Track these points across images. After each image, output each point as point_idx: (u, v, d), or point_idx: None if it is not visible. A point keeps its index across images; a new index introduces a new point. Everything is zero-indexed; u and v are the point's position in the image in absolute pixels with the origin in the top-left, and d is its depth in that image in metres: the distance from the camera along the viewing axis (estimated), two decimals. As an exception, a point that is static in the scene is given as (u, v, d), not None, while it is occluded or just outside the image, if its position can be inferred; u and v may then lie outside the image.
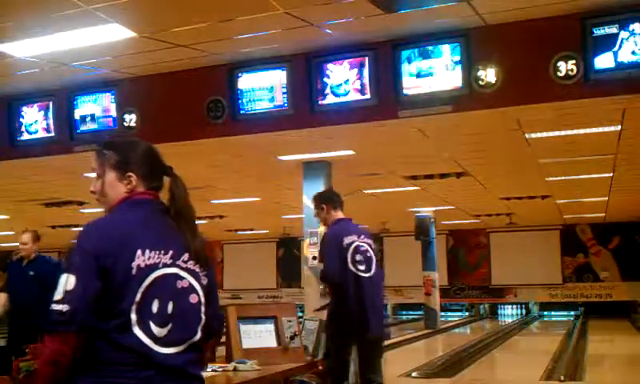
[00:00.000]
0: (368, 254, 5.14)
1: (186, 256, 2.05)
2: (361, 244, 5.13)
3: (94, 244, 1.96)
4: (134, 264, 1.96)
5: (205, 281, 2.09)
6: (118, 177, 2.13)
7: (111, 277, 1.93)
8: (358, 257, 5.09)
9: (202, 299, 2.06)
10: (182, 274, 2.03)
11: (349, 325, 5.03)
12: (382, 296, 5.34)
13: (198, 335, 2.03)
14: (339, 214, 5.29)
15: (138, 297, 1.94)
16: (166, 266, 2.00)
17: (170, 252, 2.03)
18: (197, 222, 2.20)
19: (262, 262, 22.47)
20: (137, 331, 1.93)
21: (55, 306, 1.89)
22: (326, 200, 5.37)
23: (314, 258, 8.32)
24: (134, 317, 1.93)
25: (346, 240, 5.10)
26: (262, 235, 21.30)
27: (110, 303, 1.93)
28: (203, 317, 2.05)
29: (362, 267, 5.08)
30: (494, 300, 21.41)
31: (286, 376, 4.05)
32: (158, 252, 2.00)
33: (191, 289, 2.04)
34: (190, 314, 2.02)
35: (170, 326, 1.96)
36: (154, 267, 1.98)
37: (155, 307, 1.96)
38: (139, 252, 1.97)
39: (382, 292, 5.29)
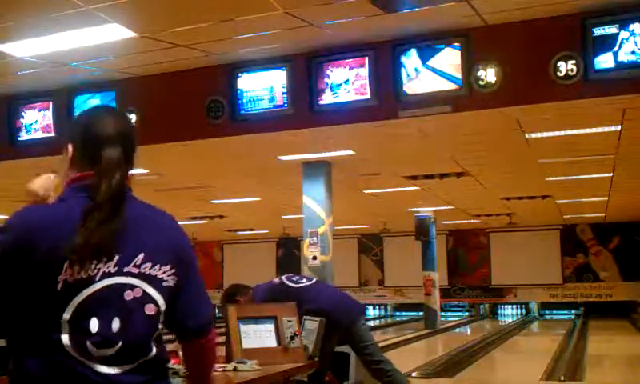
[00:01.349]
0: None
1: (139, 258, 1.64)
2: None
3: (11, 240, 1.61)
4: (60, 278, 1.57)
5: (172, 281, 1.69)
6: (64, 149, 1.76)
7: (26, 289, 1.58)
8: None
9: (163, 307, 1.67)
10: (132, 281, 1.63)
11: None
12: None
13: (154, 349, 1.66)
14: None
15: (67, 316, 1.57)
16: (106, 276, 1.61)
17: (115, 258, 1.62)
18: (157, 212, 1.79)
19: (261, 262, 22.46)
20: (72, 353, 1.58)
21: None
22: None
23: (314, 257, 8.32)
24: (65, 339, 1.57)
25: None
26: (262, 235, 21.30)
27: (30, 322, 1.60)
28: (160, 326, 1.69)
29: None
30: (494, 300, 21.41)
31: (285, 376, 4.04)
32: (95, 262, 1.60)
33: (146, 298, 1.64)
34: (145, 327, 1.64)
35: (119, 344, 1.59)
36: (88, 281, 1.59)
37: (94, 327, 1.58)
38: (67, 264, 1.57)
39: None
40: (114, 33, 5.67)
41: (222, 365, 3.83)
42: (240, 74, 6.66)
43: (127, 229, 1.64)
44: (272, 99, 6.57)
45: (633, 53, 5.39)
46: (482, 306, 21.94)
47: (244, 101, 6.67)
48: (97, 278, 1.60)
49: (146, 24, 5.64)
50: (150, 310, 1.65)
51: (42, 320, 1.59)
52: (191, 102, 6.91)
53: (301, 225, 8.68)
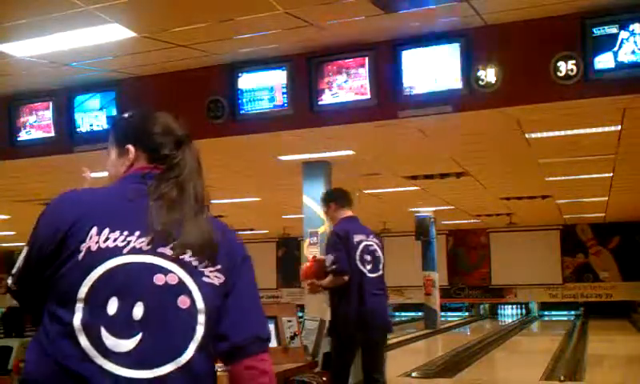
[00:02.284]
0: (377, 254, 5.15)
1: (177, 243, 1.48)
2: (370, 243, 5.14)
3: (47, 220, 1.51)
4: (84, 246, 1.43)
5: (217, 280, 1.50)
6: (119, 152, 1.73)
7: (55, 263, 1.45)
8: (367, 256, 5.09)
9: (201, 305, 1.45)
10: (167, 265, 1.45)
11: (351, 324, 4.98)
12: (387, 296, 5.32)
13: (189, 353, 1.41)
14: (347, 213, 5.29)
15: (84, 292, 1.39)
16: (136, 251, 1.44)
17: (150, 235, 1.46)
18: (207, 206, 1.68)
19: (262, 262, 22.45)
20: (82, 341, 1.37)
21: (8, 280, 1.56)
22: (333, 198, 5.39)
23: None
24: (76, 321, 1.37)
25: (356, 238, 5.10)
26: (262, 235, 21.31)
27: (53, 301, 1.43)
28: (201, 329, 1.44)
29: (369, 267, 5.08)
30: (494, 300, 21.42)
31: (286, 376, 4.05)
32: (125, 232, 1.45)
33: (181, 288, 1.44)
34: (175, 322, 1.41)
35: (138, 337, 1.37)
36: (113, 252, 1.42)
37: (112, 308, 1.38)
38: (95, 230, 1.44)
39: (386, 292, 5.28)
40: (114, 33, 5.66)
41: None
42: (240, 74, 6.66)
43: (182, 218, 1.51)
44: (272, 99, 6.57)
45: (633, 53, 5.39)
46: (481, 306, 21.95)
47: (244, 101, 6.67)
48: (124, 251, 1.43)
49: (146, 24, 5.64)
50: (183, 303, 1.43)
51: (56, 298, 1.41)
52: (191, 101, 6.90)
53: (301, 225, 8.68)
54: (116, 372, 1.34)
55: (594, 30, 5.49)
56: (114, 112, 7.19)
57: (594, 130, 7.24)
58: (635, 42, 5.38)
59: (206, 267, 1.49)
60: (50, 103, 7.47)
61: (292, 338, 4.20)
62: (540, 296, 20.77)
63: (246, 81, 6.65)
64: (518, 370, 10.80)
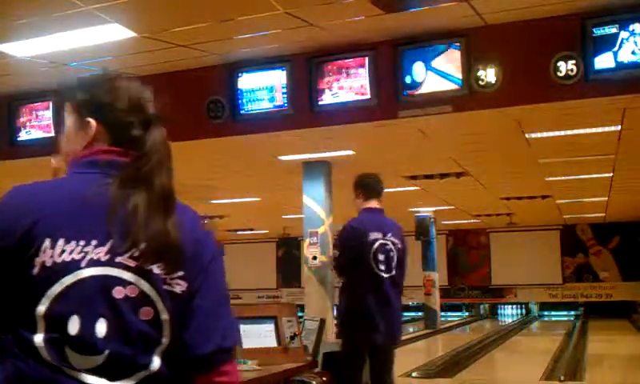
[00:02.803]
0: (391, 254, 4.85)
1: (137, 251, 1.34)
2: (385, 242, 4.84)
3: None
4: (38, 261, 1.29)
5: (179, 287, 1.37)
6: (77, 124, 1.48)
7: (6, 277, 1.31)
8: (381, 256, 4.81)
9: (165, 316, 1.34)
10: (126, 276, 1.33)
11: (361, 326, 4.78)
12: (400, 299, 4.99)
13: (155, 365, 1.33)
14: (371, 204, 4.93)
15: (42, 311, 1.28)
16: (94, 264, 1.31)
17: (108, 244, 1.33)
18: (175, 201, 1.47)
19: (261, 262, 22.47)
20: (47, 358, 1.28)
21: None
22: (360, 186, 5.00)
23: (314, 258, 8.32)
24: (38, 340, 1.28)
25: (371, 236, 4.82)
26: (262, 235, 21.31)
27: (11, 318, 1.31)
28: (166, 340, 1.34)
29: (382, 267, 4.81)
30: (494, 300, 21.41)
31: (286, 376, 4.05)
32: (82, 243, 1.32)
33: (142, 299, 1.33)
34: (139, 335, 1.32)
35: (104, 354, 1.30)
36: (69, 267, 1.30)
37: (74, 328, 1.28)
38: (47, 242, 1.30)
39: (400, 295, 4.97)
40: (114, 33, 5.67)
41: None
42: (240, 74, 6.66)
43: (146, 222, 1.35)
44: (272, 99, 6.57)
45: (633, 53, 5.39)
46: (481, 306, 21.95)
47: (244, 101, 6.67)
48: (82, 265, 1.31)
49: (146, 24, 5.64)
50: (146, 314, 1.33)
51: (15, 315, 1.30)
52: (191, 101, 6.91)
53: (301, 225, 8.68)
54: (85, 380, 1.28)
55: (594, 30, 5.49)
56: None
57: (593, 130, 7.24)
58: (635, 42, 5.38)
59: (168, 274, 1.36)
60: (50, 103, 7.47)
61: (292, 337, 4.19)
62: (540, 296, 20.76)
63: (246, 81, 6.66)
64: (518, 370, 10.80)
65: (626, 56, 5.41)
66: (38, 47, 5.96)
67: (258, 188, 11.54)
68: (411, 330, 16.57)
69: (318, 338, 4.44)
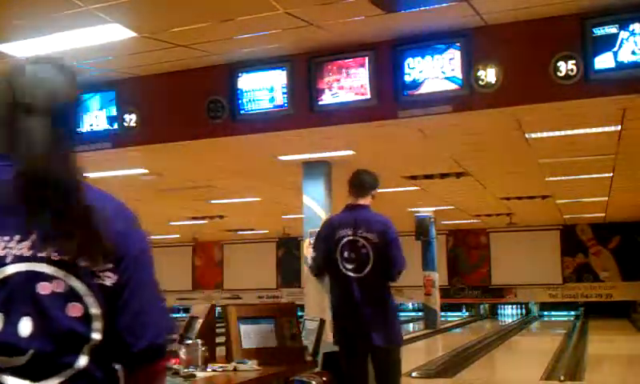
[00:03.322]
0: (363, 251, 4.45)
1: (59, 244, 1.28)
2: (356, 239, 4.46)
3: None
4: None
5: (109, 280, 1.31)
6: None
7: None
8: (346, 254, 4.46)
9: (95, 310, 1.29)
10: (51, 271, 1.27)
11: (337, 330, 4.58)
12: (381, 300, 4.53)
13: (83, 362, 1.28)
14: (354, 200, 4.65)
15: None
16: (18, 260, 1.27)
17: (30, 239, 1.28)
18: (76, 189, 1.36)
19: (261, 262, 22.46)
20: None
21: None
22: (348, 183, 4.74)
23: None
24: None
25: (339, 233, 4.52)
26: (262, 235, 21.30)
27: None
28: (97, 336, 1.29)
29: (349, 266, 4.46)
30: (494, 300, 21.41)
31: (286, 376, 4.05)
32: (6, 238, 1.28)
33: (69, 294, 1.27)
34: (67, 332, 1.27)
35: (29, 353, 1.25)
36: None
37: None
38: None
39: (379, 294, 4.51)
40: (113, 33, 5.66)
41: (222, 365, 3.84)
42: (240, 74, 6.66)
43: (62, 212, 1.30)
44: (272, 99, 6.57)
45: (633, 53, 5.39)
46: (481, 306, 21.94)
47: (244, 101, 6.67)
48: (7, 261, 1.26)
49: (146, 24, 5.64)
50: (74, 311, 1.27)
51: None
52: (191, 101, 6.91)
53: (301, 225, 8.67)
54: (6, 382, 1.24)
55: (594, 29, 5.49)
56: (114, 112, 7.20)
57: (593, 129, 7.24)
58: (635, 42, 5.38)
59: (95, 267, 1.30)
60: (50, 103, 7.46)
61: (292, 337, 4.19)
62: (540, 296, 20.76)
63: (246, 81, 6.66)
64: (518, 370, 10.80)
65: (625, 56, 5.41)
66: (38, 47, 5.96)
67: (258, 188, 11.54)
68: (411, 329, 16.57)
69: (317, 337, 4.44)
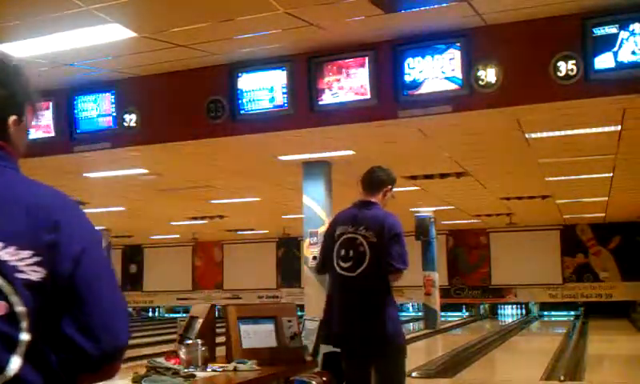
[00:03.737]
0: (361, 249, 4.17)
1: None
2: (354, 236, 4.21)
3: None
4: None
5: (35, 274, 1.23)
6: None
7: None
8: (343, 252, 4.22)
9: (20, 308, 1.21)
10: None
11: (329, 331, 4.32)
12: (377, 301, 4.22)
13: (15, 366, 1.20)
14: (362, 197, 4.39)
15: None
16: None
17: None
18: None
19: (261, 262, 22.46)
20: None
21: None
22: (360, 179, 4.48)
23: (314, 257, 8.31)
24: None
25: (338, 230, 4.29)
26: (262, 235, 21.31)
27: None
28: (26, 336, 1.21)
29: (344, 264, 4.21)
30: (494, 300, 21.41)
31: (286, 376, 4.05)
32: None
33: None
34: None
35: None
36: None
37: None
38: None
39: (372, 296, 4.21)
40: (114, 33, 5.66)
41: (222, 365, 3.84)
42: (240, 74, 6.66)
43: None
44: (272, 99, 6.57)
45: (633, 53, 5.39)
46: (481, 306, 21.94)
47: (244, 101, 6.67)
48: None
49: (146, 24, 5.64)
50: None
51: None
52: (191, 101, 6.91)
53: (301, 225, 8.67)
54: None
55: (594, 29, 5.49)
56: (114, 112, 7.20)
57: (593, 129, 7.24)
58: (635, 42, 5.38)
59: (20, 260, 1.21)
60: (50, 103, 7.47)
61: (292, 337, 4.19)
62: (540, 296, 20.76)
63: (246, 81, 6.66)
64: (518, 370, 10.80)
65: (625, 56, 5.41)
66: (37, 47, 5.96)
67: (258, 188, 11.54)
68: (411, 329, 16.57)
69: (317, 338, 4.43)
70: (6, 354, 1.19)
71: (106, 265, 1.33)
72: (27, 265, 1.22)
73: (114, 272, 1.34)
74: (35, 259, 1.22)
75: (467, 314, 21.87)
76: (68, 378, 1.26)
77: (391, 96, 6.17)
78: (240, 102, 6.69)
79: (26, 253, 1.22)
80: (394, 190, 4.51)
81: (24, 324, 1.21)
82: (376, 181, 4.38)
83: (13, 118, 1.37)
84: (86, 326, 1.25)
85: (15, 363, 1.20)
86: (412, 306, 21.92)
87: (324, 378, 4.38)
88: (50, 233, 1.24)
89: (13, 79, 1.38)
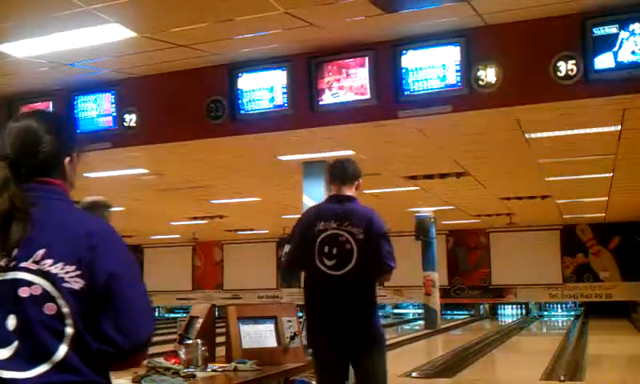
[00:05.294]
0: (347, 246, 3.93)
1: (39, 254, 1.60)
2: (339, 233, 3.96)
3: None
4: None
5: (76, 284, 1.60)
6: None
7: None
8: (326, 249, 3.96)
9: (66, 309, 1.58)
10: (30, 277, 1.59)
11: (310, 333, 4.06)
12: (365, 300, 4.00)
13: (61, 353, 1.57)
14: (336, 190, 4.15)
15: None
16: (1, 270, 1.61)
17: (14, 252, 1.61)
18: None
19: (262, 262, 22.46)
20: None
21: None
22: (328, 172, 4.32)
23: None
24: None
25: (319, 225, 4.00)
26: (262, 235, 21.31)
27: None
28: (70, 330, 1.58)
29: (328, 262, 3.94)
30: (494, 300, 21.42)
31: (286, 376, 4.05)
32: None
33: (45, 296, 1.58)
34: (44, 327, 1.57)
35: (15, 344, 1.56)
36: None
37: None
38: None
39: (359, 296, 3.97)
40: (114, 33, 5.66)
41: (222, 365, 3.84)
42: (240, 74, 6.66)
43: (33, 228, 1.62)
44: (272, 99, 6.57)
45: (633, 53, 5.39)
46: (482, 306, 21.94)
47: (244, 101, 6.67)
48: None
49: (146, 24, 5.64)
50: (50, 309, 1.58)
51: None
52: (191, 101, 6.91)
53: (301, 225, 8.66)
54: (5, 376, 1.54)
55: (594, 29, 5.49)
56: (114, 112, 7.20)
57: (593, 129, 7.24)
58: (635, 42, 5.38)
59: (66, 273, 1.60)
60: (50, 103, 7.47)
61: (292, 337, 4.20)
62: (540, 296, 20.77)
63: (246, 81, 6.66)
64: (518, 370, 10.80)
65: (625, 56, 5.41)
66: (38, 47, 5.96)
67: (258, 188, 11.54)
68: (411, 329, 16.56)
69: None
70: (56, 343, 1.57)
71: (134, 275, 1.70)
72: (71, 277, 1.60)
73: (139, 276, 1.72)
74: (77, 273, 1.60)
75: (467, 313, 21.87)
76: (104, 364, 1.64)
77: (391, 96, 6.17)
78: (240, 102, 6.69)
79: (71, 268, 1.60)
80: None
81: (69, 321, 1.59)
82: (351, 173, 4.15)
83: (67, 159, 1.82)
84: (117, 324, 1.62)
85: (62, 350, 1.58)
86: (412, 304, 21.91)
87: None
88: (88, 253, 1.62)
89: (65, 127, 1.85)
